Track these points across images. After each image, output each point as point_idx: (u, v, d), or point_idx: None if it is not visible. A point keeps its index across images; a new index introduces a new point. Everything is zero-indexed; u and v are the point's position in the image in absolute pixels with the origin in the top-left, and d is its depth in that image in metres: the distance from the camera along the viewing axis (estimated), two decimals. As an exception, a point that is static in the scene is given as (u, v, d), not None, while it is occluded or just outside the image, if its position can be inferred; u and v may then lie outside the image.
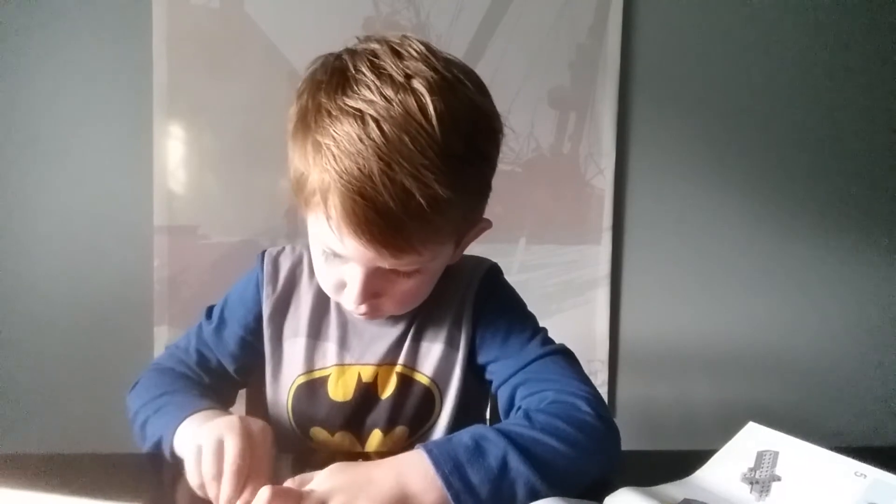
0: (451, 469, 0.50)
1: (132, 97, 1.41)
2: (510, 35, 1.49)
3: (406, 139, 0.53)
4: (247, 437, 0.53)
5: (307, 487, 0.48)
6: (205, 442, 0.53)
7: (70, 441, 1.43)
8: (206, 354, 0.75)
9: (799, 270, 1.66)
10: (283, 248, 0.78)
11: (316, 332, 0.74)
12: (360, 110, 0.54)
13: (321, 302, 0.74)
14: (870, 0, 1.60)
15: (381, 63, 0.57)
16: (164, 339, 1.44)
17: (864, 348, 1.69)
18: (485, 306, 0.73)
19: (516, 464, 0.51)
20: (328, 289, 0.67)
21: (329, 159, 0.54)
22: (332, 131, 0.54)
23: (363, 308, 0.63)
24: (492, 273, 0.77)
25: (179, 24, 1.40)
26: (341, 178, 0.53)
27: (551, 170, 1.53)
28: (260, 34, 1.43)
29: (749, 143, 1.61)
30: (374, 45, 0.59)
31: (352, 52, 0.60)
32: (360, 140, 0.53)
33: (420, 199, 0.53)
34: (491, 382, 0.73)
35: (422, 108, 0.54)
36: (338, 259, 0.61)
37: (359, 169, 0.53)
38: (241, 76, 1.43)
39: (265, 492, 0.45)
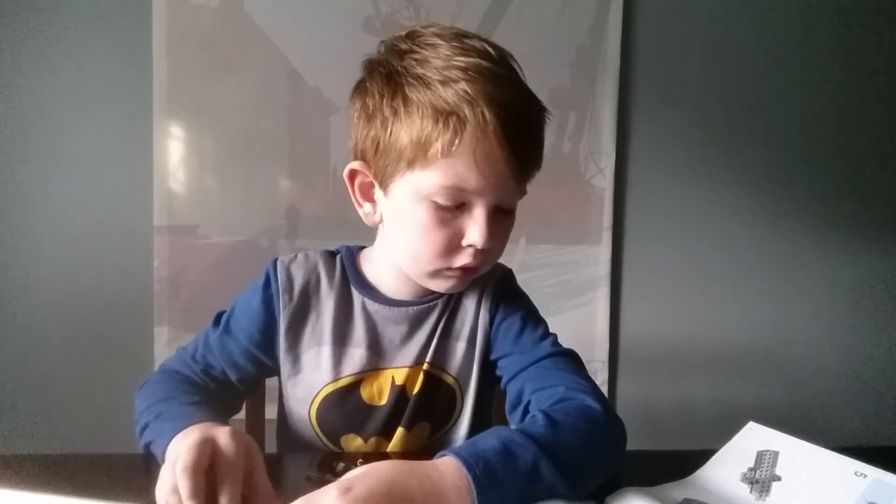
0: (483, 471, 0.48)
1: (132, 97, 1.41)
2: (510, 35, 1.48)
3: (514, 66, 0.64)
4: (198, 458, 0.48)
5: (342, 483, 0.45)
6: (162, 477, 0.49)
7: (70, 441, 1.43)
8: (210, 362, 0.74)
9: (799, 271, 1.66)
10: (296, 256, 0.75)
11: (341, 338, 0.72)
12: (468, 47, 0.62)
13: (344, 307, 0.73)
14: None
15: (448, 32, 0.64)
16: (164, 339, 1.44)
17: (865, 348, 1.69)
18: (500, 305, 0.75)
19: (547, 470, 0.51)
20: (437, 252, 0.65)
21: (464, 84, 0.59)
22: (456, 67, 0.59)
23: (480, 255, 0.65)
24: (508, 276, 0.79)
25: (179, 24, 1.40)
26: (482, 93, 0.58)
27: (551, 170, 1.52)
28: (260, 34, 1.43)
29: (748, 143, 1.61)
30: (426, 29, 0.64)
31: (411, 35, 0.65)
32: (487, 64, 0.60)
33: (539, 105, 0.63)
34: (500, 379, 0.74)
35: (506, 56, 0.64)
36: (453, 212, 0.63)
37: (493, 81, 0.59)
38: (241, 76, 1.43)
39: None
